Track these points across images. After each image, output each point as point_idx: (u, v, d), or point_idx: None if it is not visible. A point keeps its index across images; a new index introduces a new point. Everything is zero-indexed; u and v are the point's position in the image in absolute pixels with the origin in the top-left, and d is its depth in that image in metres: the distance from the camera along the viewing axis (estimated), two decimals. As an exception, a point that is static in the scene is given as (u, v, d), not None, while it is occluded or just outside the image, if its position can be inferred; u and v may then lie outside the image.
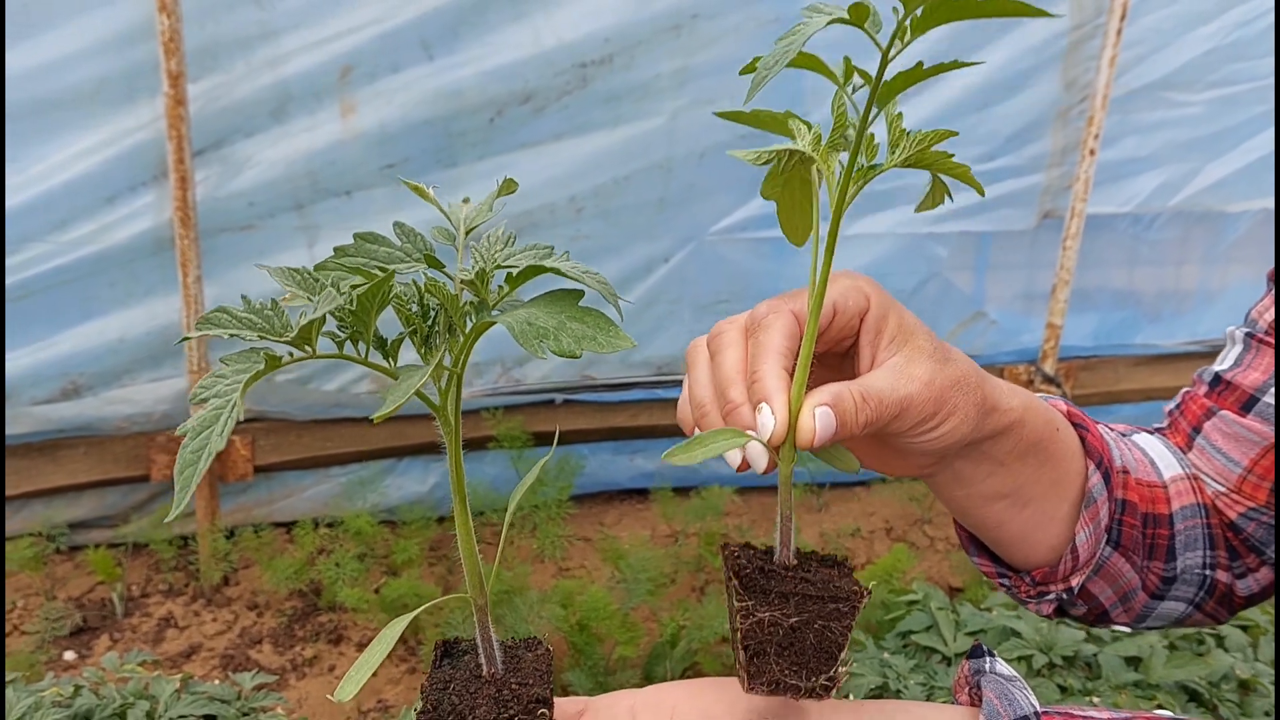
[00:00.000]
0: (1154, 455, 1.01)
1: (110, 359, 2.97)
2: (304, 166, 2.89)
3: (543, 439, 3.41)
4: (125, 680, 1.81)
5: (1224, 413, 0.99)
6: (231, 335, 0.56)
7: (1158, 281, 3.80)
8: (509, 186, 0.66)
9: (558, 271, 0.61)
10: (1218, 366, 1.01)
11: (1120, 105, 3.39)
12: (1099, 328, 3.82)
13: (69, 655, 2.82)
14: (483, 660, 0.70)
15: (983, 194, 0.71)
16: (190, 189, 2.75)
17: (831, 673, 0.68)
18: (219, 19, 2.73)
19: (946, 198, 0.77)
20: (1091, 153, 3.34)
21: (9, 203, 2.73)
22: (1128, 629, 1.02)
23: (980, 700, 0.75)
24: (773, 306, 0.75)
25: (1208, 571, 0.99)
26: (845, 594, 0.69)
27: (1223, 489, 0.99)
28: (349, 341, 0.60)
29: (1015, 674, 0.73)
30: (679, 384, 3.45)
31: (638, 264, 3.27)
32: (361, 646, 2.93)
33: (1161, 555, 0.98)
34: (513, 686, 0.67)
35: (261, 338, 0.56)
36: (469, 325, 0.62)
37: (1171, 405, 1.06)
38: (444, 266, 0.64)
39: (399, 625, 0.67)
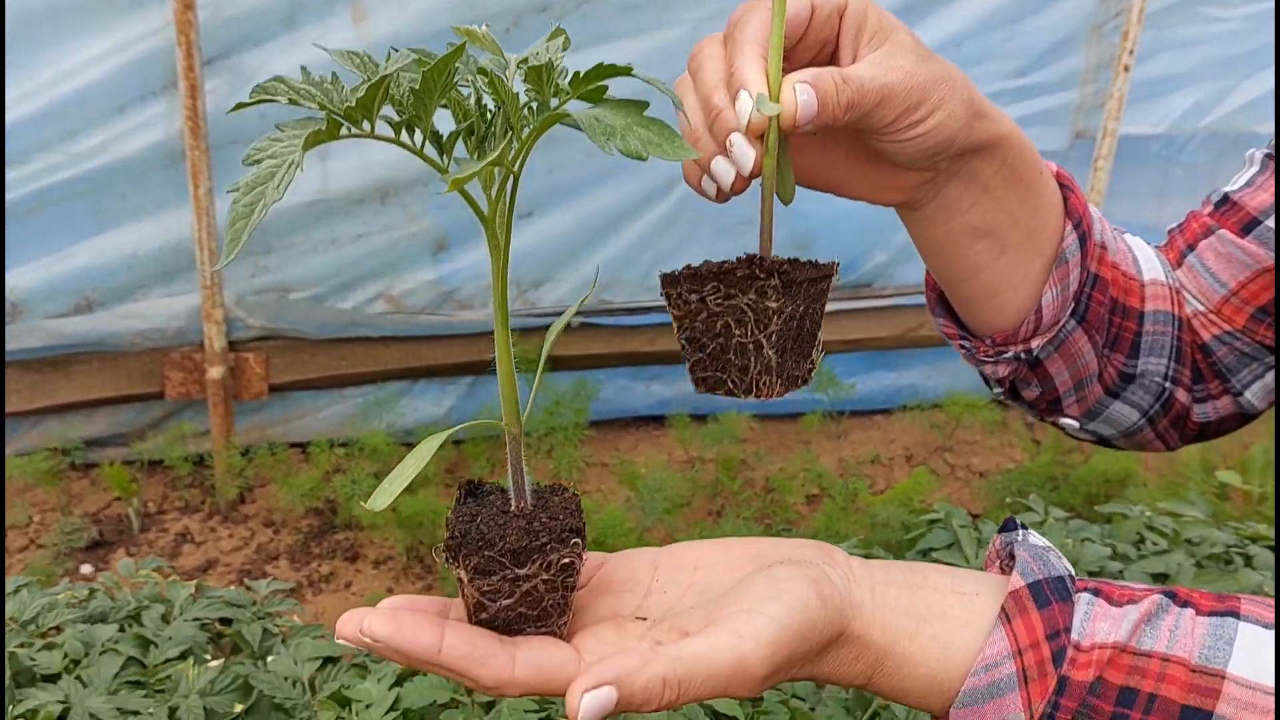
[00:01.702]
0: (1139, 254, 0.99)
1: (124, 274, 2.96)
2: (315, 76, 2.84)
3: (560, 363, 3.39)
4: (140, 585, 1.80)
5: (1223, 232, 0.97)
6: (290, 102, 0.54)
7: (1189, 207, 3.72)
8: (558, 34, 0.63)
9: (628, 71, 0.59)
10: (1229, 187, 0.99)
11: (1156, 20, 3.30)
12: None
13: (86, 569, 2.83)
14: (511, 494, 0.68)
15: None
16: (200, 98, 2.71)
17: (814, 356, 0.72)
18: (229, -77, 2.67)
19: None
20: (1126, 69, 3.26)
21: (20, 111, 2.70)
22: (1075, 424, 1.00)
23: (1008, 571, 0.73)
24: (747, 6, 0.75)
25: (1168, 384, 0.98)
26: (825, 275, 0.71)
27: (1202, 308, 0.98)
28: (405, 131, 0.59)
29: (1050, 545, 0.71)
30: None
31: (657, 183, 3.22)
32: (378, 564, 2.93)
33: (1125, 349, 0.96)
34: (543, 520, 0.65)
35: (321, 108, 0.55)
36: (527, 130, 0.60)
37: (1174, 225, 1.04)
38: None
39: (435, 441, 0.66)
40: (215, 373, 3.03)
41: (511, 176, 0.62)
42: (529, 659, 0.63)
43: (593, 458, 3.42)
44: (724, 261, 0.70)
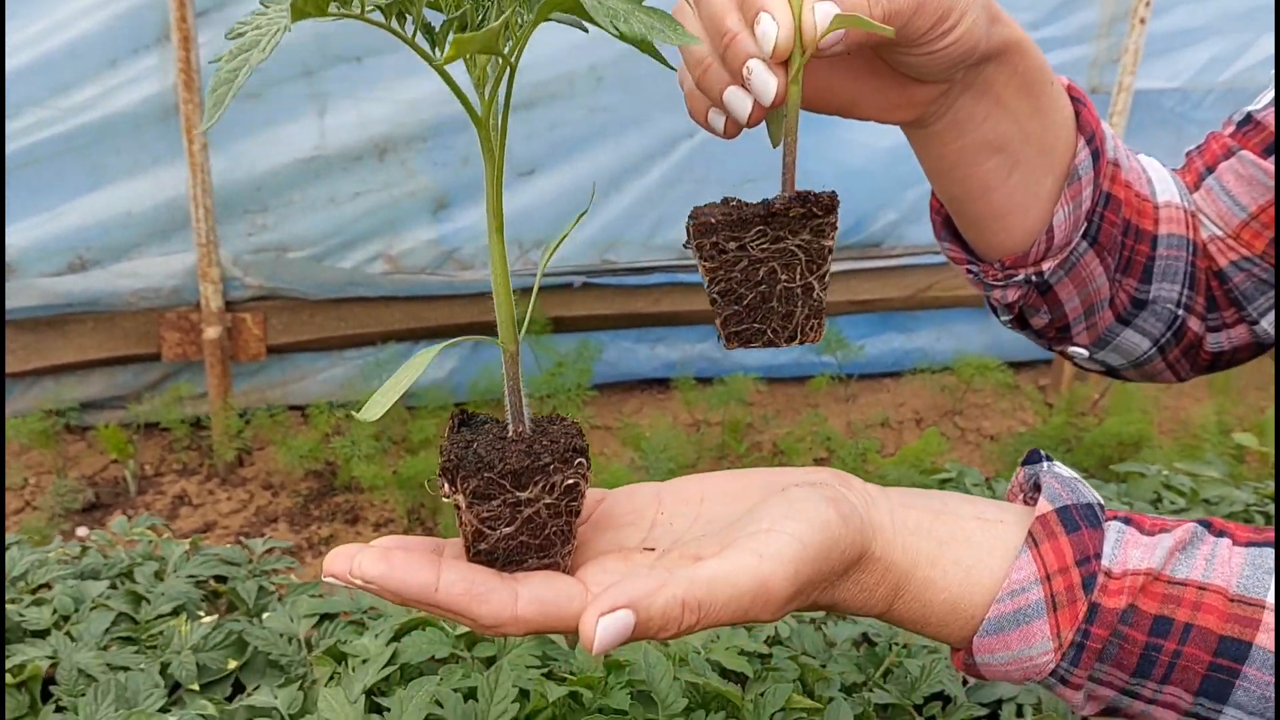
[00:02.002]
0: (1153, 175, 0.94)
1: (119, 232, 2.91)
2: (312, 29, 2.79)
3: (562, 324, 3.35)
4: (135, 544, 1.77)
5: (1244, 153, 0.91)
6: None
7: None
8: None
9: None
10: (1252, 106, 0.94)
11: (1173, -29, 3.23)
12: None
13: (81, 531, 2.80)
14: (509, 417, 0.64)
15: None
16: (193, 50, 2.66)
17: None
18: None
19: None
20: (1142, 21, 3.19)
21: (9, 65, 2.66)
22: (1084, 352, 0.96)
23: (1032, 504, 0.70)
24: None
25: (1180, 312, 0.94)
26: (831, 208, 0.66)
27: (1219, 233, 0.93)
28: (395, 18, 0.57)
29: (1078, 475, 0.67)
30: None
31: (661, 138, 3.16)
32: (379, 526, 2.90)
33: (1137, 273, 0.92)
34: (544, 443, 0.62)
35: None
36: (522, 21, 0.56)
37: (1192, 147, 0.99)
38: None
39: (430, 353, 0.62)
40: (212, 333, 2.99)
41: (508, 70, 0.57)
42: (532, 594, 0.59)
43: (596, 420, 3.39)
44: (750, 203, 0.65)
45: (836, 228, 0.64)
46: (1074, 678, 0.64)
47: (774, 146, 0.70)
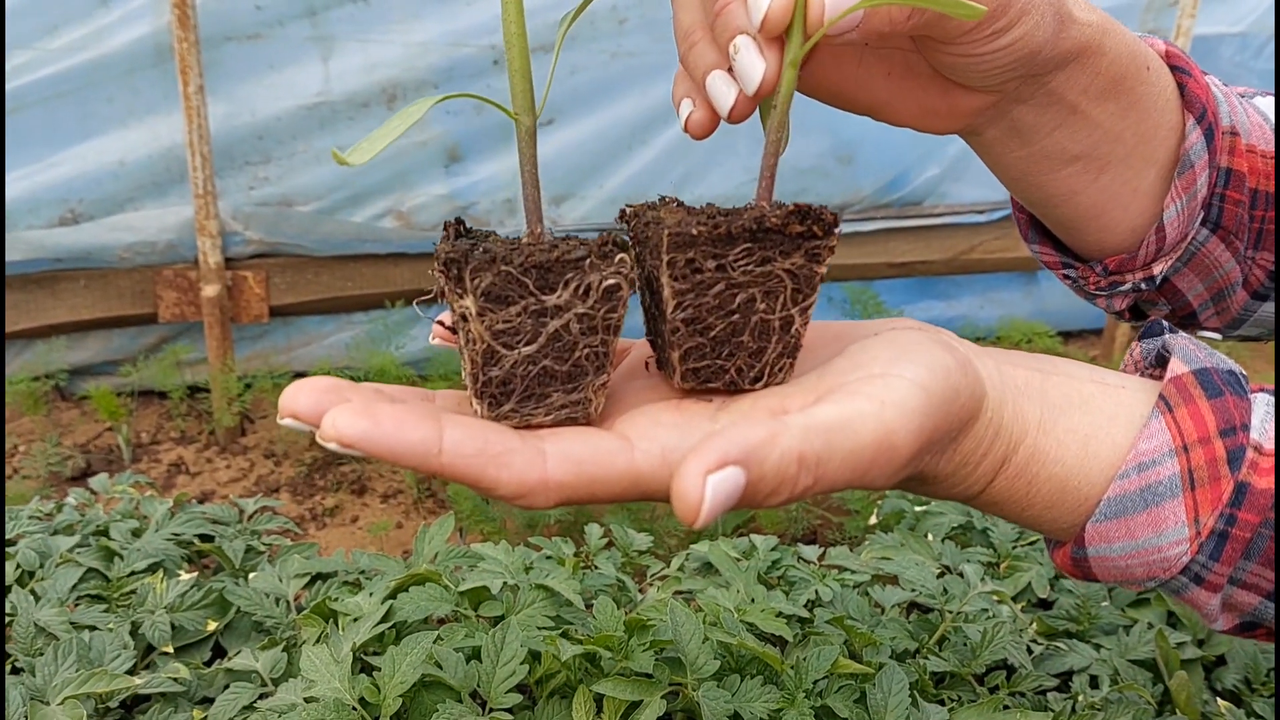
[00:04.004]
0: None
1: (111, 184, 2.83)
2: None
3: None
4: (117, 502, 1.69)
5: None
6: None
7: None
8: None
9: None
10: None
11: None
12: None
13: (70, 499, 2.72)
14: (525, 211, 0.53)
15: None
16: (190, -15, 2.56)
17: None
18: None
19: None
20: (1205, -40, 3.05)
21: (-7, 3, 2.57)
22: (1217, 335, 0.85)
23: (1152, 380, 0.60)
24: None
25: None
26: (831, 228, 0.54)
27: None
28: None
29: (1208, 346, 0.56)
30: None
31: (688, 87, 3.05)
32: (386, 497, 2.82)
33: (1271, 244, 0.80)
34: (570, 243, 0.50)
35: None
36: None
37: None
38: None
39: (427, 102, 0.52)
40: (210, 291, 2.90)
41: None
42: (564, 451, 0.47)
43: (617, 388, 3.29)
44: (726, 214, 0.54)
45: (834, 251, 0.53)
46: (1212, 575, 0.53)
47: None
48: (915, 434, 0.47)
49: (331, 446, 0.44)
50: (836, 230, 0.53)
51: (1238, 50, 3.39)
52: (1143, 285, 0.78)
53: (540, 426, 0.51)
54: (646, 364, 0.59)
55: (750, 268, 0.53)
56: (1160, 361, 0.60)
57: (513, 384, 0.50)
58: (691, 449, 0.44)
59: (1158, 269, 0.77)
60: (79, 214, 2.86)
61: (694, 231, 0.52)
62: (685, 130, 0.60)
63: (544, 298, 0.48)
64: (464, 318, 0.49)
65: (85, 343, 3.05)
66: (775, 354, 0.54)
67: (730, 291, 0.53)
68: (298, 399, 0.45)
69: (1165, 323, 0.61)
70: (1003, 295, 3.60)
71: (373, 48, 2.78)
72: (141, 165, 2.84)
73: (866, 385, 0.48)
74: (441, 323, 0.55)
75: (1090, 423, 0.54)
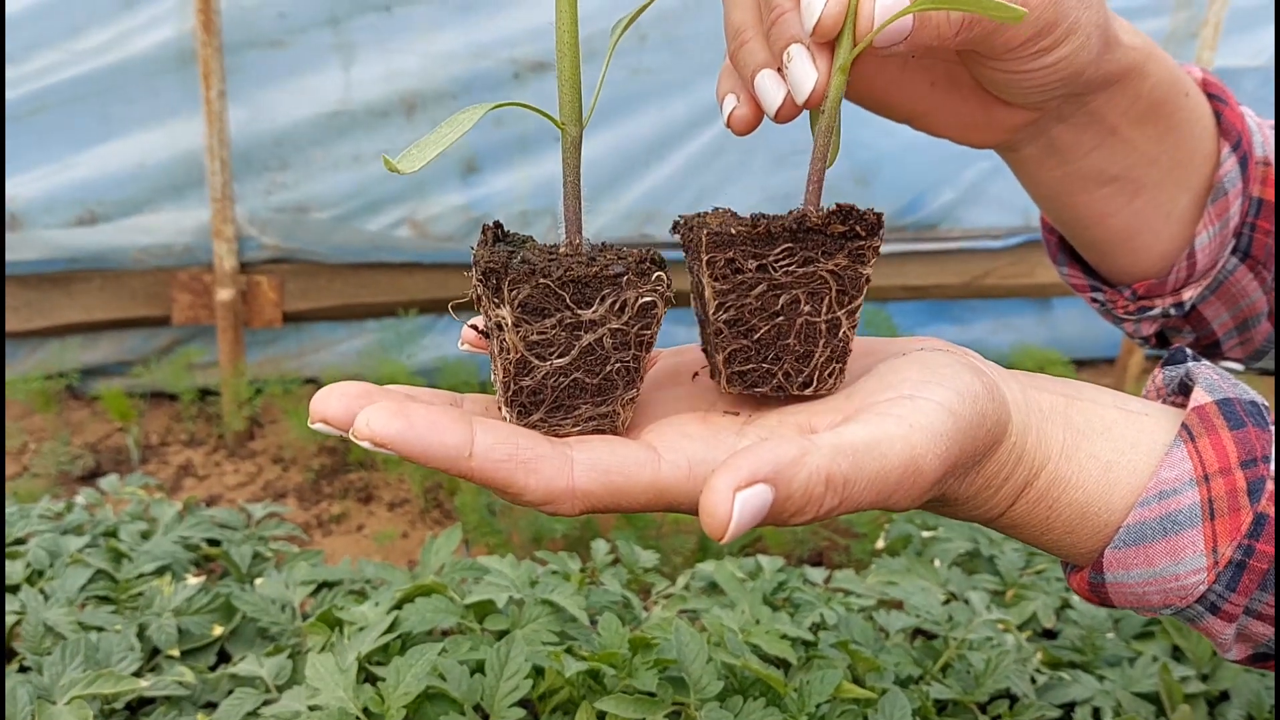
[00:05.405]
0: None
1: (130, 185, 2.85)
2: (340, -26, 2.71)
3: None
4: (126, 503, 1.70)
5: None
6: None
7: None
8: None
9: None
10: None
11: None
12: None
13: (80, 499, 2.74)
14: (564, 222, 0.54)
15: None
16: (214, -9, 2.58)
17: None
18: None
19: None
20: (1226, -8, 3.06)
21: (21, 3, 2.59)
22: (1239, 366, 0.85)
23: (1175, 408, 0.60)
24: None
25: None
26: (875, 228, 0.55)
27: None
28: None
29: (1231, 376, 0.57)
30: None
31: (706, 104, 3.07)
32: (393, 506, 2.82)
33: None
34: (608, 256, 0.52)
35: None
36: None
37: None
38: None
39: (478, 110, 0.52)
40: (225, 295, 2.92)
41: None
42: (591, 459, 0.48)
43: (628, 404, 3.30)
44: (769, 217, 0.55)
45: (879, 253, 0.54)
46: (1228, 605, 0.54)
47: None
48: (941, 458, 0.48)
49: (365, 445, 0.45)
50: (880, 231, 0.54)
51: (1260, 84, 3.39)
52: (1171, 311, 0.79)
53: (567, 436, 0.52)
54: (696, 374, 0.60)
55: (792, 268, 0.54)
56: (1183, 389, 0.60)
57: (543, 394, 0.51)
58: (721, 464, 0.44)
59: (1187, 295, 0.78)
60: (97, 215, 2.88)
61: (733, 231, 0.53)
62: (728, 125, 0.61)
63: (580, 312, 0.49)
64: (499, 326, 0.50)
65: (98, 343, 3.07)
66: (823, 358, 0.55)
67: (773, 293, 0.54)
68: (329, 404, 0.46)
69: (1189, 350, 0.61)
70: (1017, 321, 3.60)
71: (394, 57, 2.80)
72: (160, 168, 2.86)
73: (895, 407, 0.49)
74: (475, 327, 0.56)
75: (1112, 449, 0.55)
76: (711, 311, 0.54)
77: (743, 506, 0.43)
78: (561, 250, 0.53)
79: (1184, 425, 0.54)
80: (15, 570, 1.26)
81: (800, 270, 0.54)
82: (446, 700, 0.92)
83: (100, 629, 1.14)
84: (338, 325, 3.21)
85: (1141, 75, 0.68)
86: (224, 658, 1.20)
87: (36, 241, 2.82)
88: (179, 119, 2.82)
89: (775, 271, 0.54)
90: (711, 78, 3.03)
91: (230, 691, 1.04)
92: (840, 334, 0.55)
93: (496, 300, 0.50)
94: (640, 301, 0.50)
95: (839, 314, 0.54)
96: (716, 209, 0.59)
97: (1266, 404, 0.55)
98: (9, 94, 2.68)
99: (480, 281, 0.50)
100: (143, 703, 1.06)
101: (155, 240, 2.90)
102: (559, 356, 0.50)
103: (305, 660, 1.01)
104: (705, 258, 0.54)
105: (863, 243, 0.53)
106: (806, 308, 0.54)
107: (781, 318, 0.54)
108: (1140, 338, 0.84)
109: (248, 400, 2.93)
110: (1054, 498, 0.55)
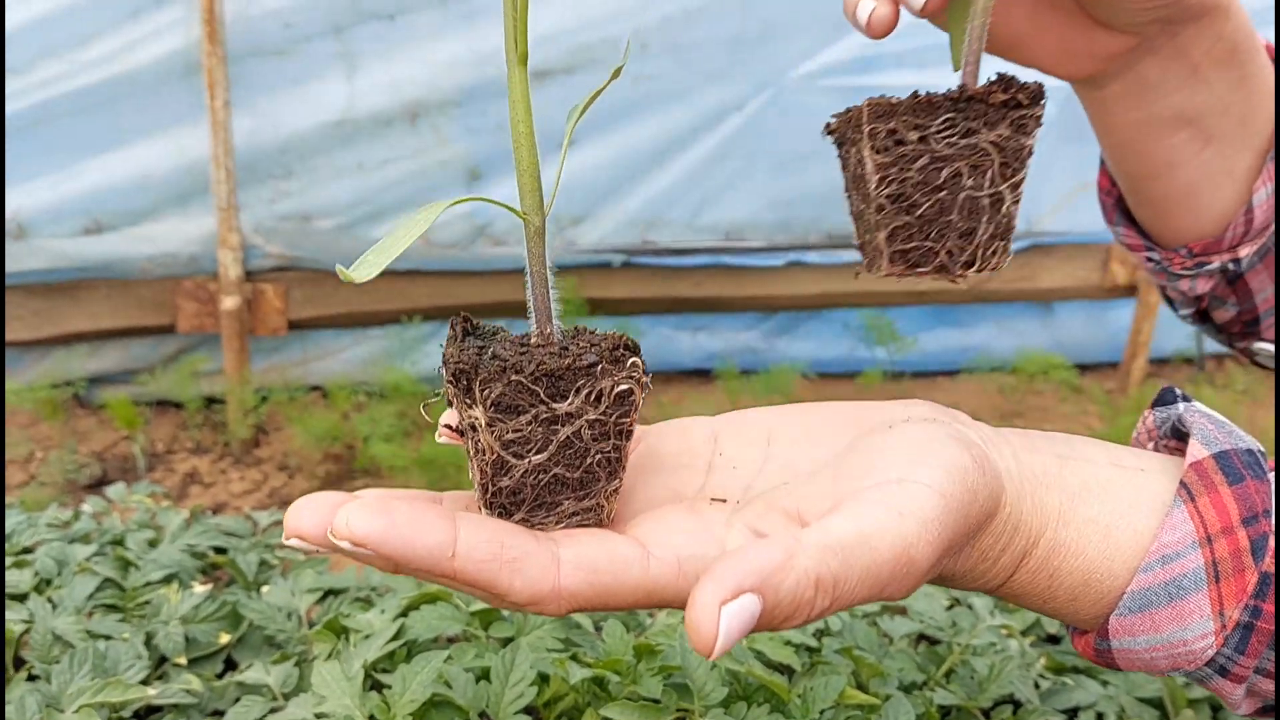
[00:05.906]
0: None
1: (135, 195, 2.86)
2: (344, -16, 2.73)
3: (600, 306, 3.27)
4: (133, 511, 1.71)
5: None
6: None
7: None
8: None
9: None
10: None
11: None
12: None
13: (86, 507, 2.75)
14: (532, 315, 0.52)
15: None
16: (218, 1, 2.59)
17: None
18: None
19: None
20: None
21: (26, 14, 2.60)
22: (1269, 347, 0.85)
23: (1167, 452, 0.60)
24: None
25: None
26: (1038, 98, 0.55)
27: None
28: None
29: (1223, 418, 0.56)
30: (750, 252, 3.28)
31: (708, 111, 3.07)
32: (398, 513, 2.83)
33: None
34: (580, 344, 0.50)
35: None
36: None
37: None
38: None
39: (436, 208, 0.50)
40: (230, 303, 2.93)
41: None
42: (578, 557, 0.46)
43: (632, 410, 3.30)
44: (933, 93, 0.55)
45: (1041, 124, 0.54)
46: (1238, 667, 0.53)
47: (955, 69, 0.59)
48: (934, 544, 0.47)
49: (344, 546, 0.43)
50: (1043, 101, 0.53)
51: None
52: (1230, 265, 0.79)
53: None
54: (857, 273, 0.59)
55: (954, 139, 0.53)
56: (1176, 434, 0.59)
57: (523, 493, 0.49)
58: (705, 573, 0.43)
59: (1244, 252, 0.78)
60: (103, 224, 2.89)
61: (894, 100, 0.53)
62: (867, 28, 0.60)
63: (555, 405, 0.47)
64: (473, 428, 0.49)
65: (105, 351, 3.08)
66: (987, 235, 0.54)
67: (935, 166, 0.53)
68: (301, 518, 0.44)
69: (1178, 390, 0.61)
70: (1019, 325, 3.60)
71: (397, 66, 2.81)
72: (166, 177, 2.87)
73: (882, 493, 0.47)
74: (449, 426, 0.53)
75: (1111, 511, 0.54)
76: (874, 187, 0.53)
77: (729, 621, 0.41)
78: (533, 341, 0.51)
79: (1183, 484, 0.53)
80: (23, 579, 1.27)
81: (962, 141, 0.53)
82: (452, 707, 0.92)
83: (108, 637, 1.14)
84: (342, 333, 3.22)
85: (1226, 14, 0.69)
86: (231, 665, 1.21)
87: (43, 251, 2.83)
88: (184, 128, 2.83)
89: (937, 143, 0.53)
90: (712, 86, 3.04)
91: (237, 699, 1.05)
92: (1004, 210, 0.54)
93: (469, 401, 0.48)
94: (616, 390, 0.48)
95: (1002, 188, 0.54)
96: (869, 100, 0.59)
97: (1262, 450, 0.55)
98: (16, 105, 2.69)
99: (451, 383, 0.49)
100: (150, 710, 1.07)
101: (161, 249, 2.91)
102: (537, 453, 0.48)
103: (311, 668, 1.01)
104: (867, 129, 0.53)
105: (1025, 111, 0.53)
106: (969, 181, 0.53)
107: (944, 192, 0.53)
108: (1190, 298, 0.84)
109: (253, 408, 2.94)
110: (1054, 566, 0.54)
